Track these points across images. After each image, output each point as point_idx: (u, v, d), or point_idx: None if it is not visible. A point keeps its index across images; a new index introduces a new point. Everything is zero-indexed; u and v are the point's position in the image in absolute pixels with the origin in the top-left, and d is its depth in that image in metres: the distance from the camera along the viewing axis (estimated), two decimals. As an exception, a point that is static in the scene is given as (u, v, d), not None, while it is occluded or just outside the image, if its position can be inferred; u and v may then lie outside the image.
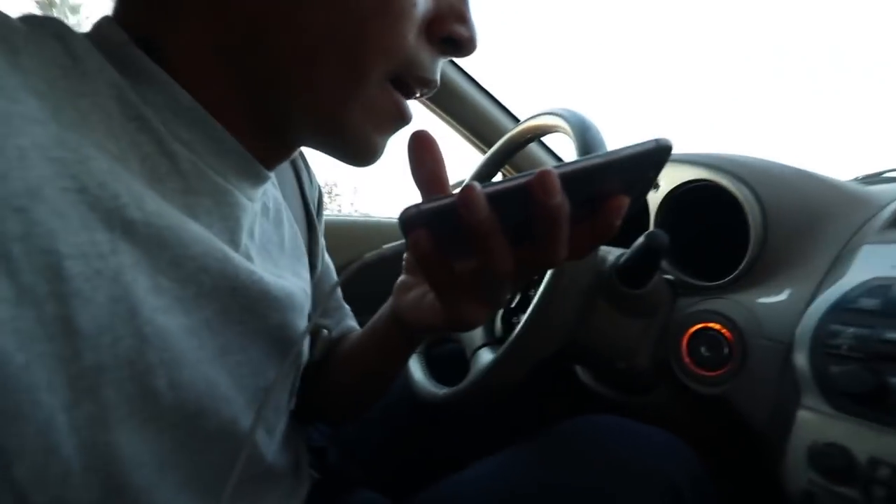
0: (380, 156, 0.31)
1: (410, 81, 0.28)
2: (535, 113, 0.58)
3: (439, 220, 0.22)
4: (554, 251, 0.22)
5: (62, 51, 0.21)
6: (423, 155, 0.27)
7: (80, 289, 0.19)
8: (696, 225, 0.57)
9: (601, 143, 0.45)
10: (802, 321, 0.38)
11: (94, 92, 0.22)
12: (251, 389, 0.29)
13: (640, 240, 0.46)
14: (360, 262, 0.24)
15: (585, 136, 0.45)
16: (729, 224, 0.51)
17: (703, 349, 0.45)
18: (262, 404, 0.27)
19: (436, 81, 0.30)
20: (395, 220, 0.22)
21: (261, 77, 0.26)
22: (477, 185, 0.20)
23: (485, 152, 0.92)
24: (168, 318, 0.23)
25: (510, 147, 0.64)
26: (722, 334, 0.45)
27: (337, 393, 0.46)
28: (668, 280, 0.53)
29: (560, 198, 0.20)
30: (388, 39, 0.25)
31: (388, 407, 0.56)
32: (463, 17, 0.28)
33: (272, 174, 0.32)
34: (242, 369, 0.29)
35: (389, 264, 0.31)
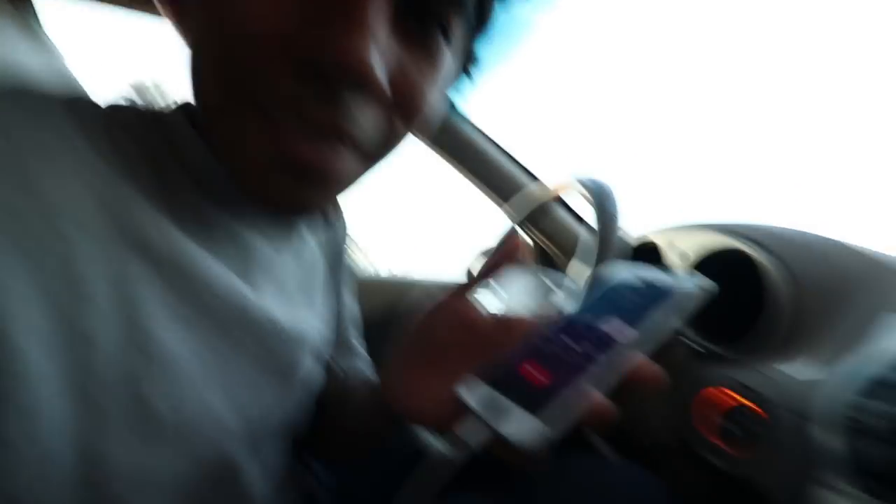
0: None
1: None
2: (554, 176, 0.60)
3: None
4: None
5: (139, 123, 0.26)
6: (507, 254, 0.31)
7: (101, 306, 0.21)
8: (722, 293, 0.55)
9: (615, 208, 0.46)
10: (830, 396, 0.35)
11: (150, 152, 0.26)
12: (254, 423, 0.29)
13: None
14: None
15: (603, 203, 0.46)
16: (754, 293, 0.49)
17: (732, 427, 0.42)
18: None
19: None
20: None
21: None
22: None
23: (501, 204, 0.95)
24: (176, 341, 0.24)
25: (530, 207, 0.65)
26: (753, 412, 0.42)
27: (335, 433, 0.45)
28: (687, 346, 0.51)
29: None
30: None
31: (386, 454, 0.53)
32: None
33: (300, 220, 0.34)
34: (245, 400, 0.29)
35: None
